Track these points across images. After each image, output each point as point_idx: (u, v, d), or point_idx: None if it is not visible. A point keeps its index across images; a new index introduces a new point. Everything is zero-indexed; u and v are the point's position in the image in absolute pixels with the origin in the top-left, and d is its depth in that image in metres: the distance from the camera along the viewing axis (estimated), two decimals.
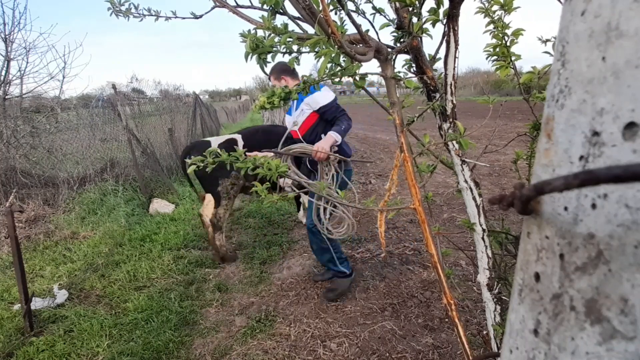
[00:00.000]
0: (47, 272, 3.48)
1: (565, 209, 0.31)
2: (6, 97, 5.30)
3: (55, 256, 3.81)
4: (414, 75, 1.02)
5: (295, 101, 2.63)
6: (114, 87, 7.10)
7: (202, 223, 3.69)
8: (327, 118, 2.60)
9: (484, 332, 1.17)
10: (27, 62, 5.48)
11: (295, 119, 2.70)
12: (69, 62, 5.88)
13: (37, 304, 2.83)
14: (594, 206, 0.28)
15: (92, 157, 6.11)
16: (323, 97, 2.55)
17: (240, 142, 3.65)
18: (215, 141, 3.69)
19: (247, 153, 0.96)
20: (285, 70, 2.73)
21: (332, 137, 2.52)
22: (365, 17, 0.96)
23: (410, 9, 0.89)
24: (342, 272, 2.82)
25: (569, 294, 0.30)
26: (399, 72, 0.95)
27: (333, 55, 0.69)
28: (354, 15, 0.92)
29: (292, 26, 0.77)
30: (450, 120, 1.02)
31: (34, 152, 5.46)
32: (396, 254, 3.53)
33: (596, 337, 0.28)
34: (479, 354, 1.62)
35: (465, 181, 1.03)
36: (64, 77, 5.86)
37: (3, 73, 5.26)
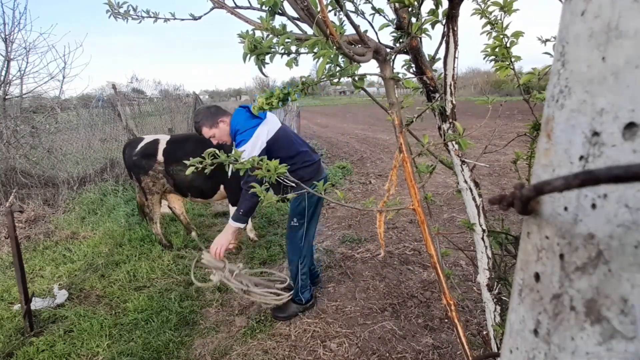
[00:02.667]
0: (47, 272, 3.48)
1: (565, 209, 0.31)
2: (6, 97, 5.30)
3: (55, 256, 3.81)
4: (413, 76, 1.02)
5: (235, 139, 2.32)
6: (114, 87, 7.11)
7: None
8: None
9: (484, 332, 1.17)
10: (27, 62, 5.49)
11: None
12: (69, 62, 5.88)
13: (37, 304, 2.83)
14: (594, 206, 0.28)
15: (92, 157, 6.11)
16: (243, 152, 2.21)
17: (162, 146, 3.71)
18: (148, 138, 3.84)
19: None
20: (216, 114, 2.42)
21: (231, 227, 2.29)
22: (364, 18, 0.96)
23: (410, 9, 0.89)
24: (299, 299, 2.64)
25: (569, 294, 0.30)
26: (398, 72, 0.95)
27: (332, 56, 0.69)
28: (353, 15, 0.92)
29: (290, 27, 0.77)
30: (450, 120, 1.02)
31: (34, 152, 5.46)
32: (396, 254, 3.53)
33: (596, 337, 0.28)
34: (479, 354, 1.62)
35: (465, 181, 1.03)
36: (64, 77, 5.86)
37: (3, 73, 5.26)
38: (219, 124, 2.38)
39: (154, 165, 3.66)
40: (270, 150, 2.32)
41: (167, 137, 3.80)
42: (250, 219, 4.00)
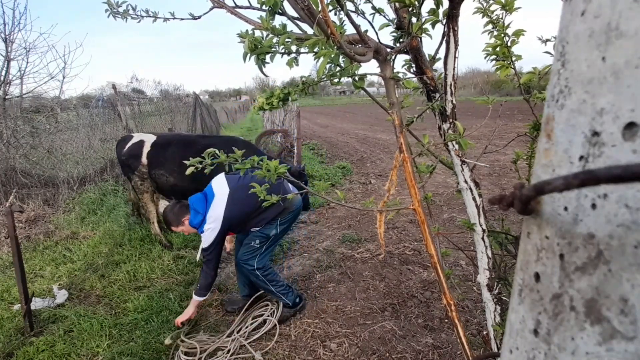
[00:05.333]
0: (47, 272, 3.48)
1: (565, 209, 0.31)
2: (6, 97, 5.30)
3: (55, 256, 3.81)
4: (413, 76, 1.02)
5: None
6: (114, 87, 7.11)
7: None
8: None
9: (484, 332, 1.17)
10: (27, 62, 5.47)
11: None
12: (69, 62, 5.85)
13: (37, 304, 2.83)
14: (594, 206, 0.28)
15: (92, 157, 6.11)
16: (205, 239, 2.41)
17: (146, 148, 3.71)
18: (135, 138, 3.85)
19: None
20: (178, 213, 2.55)
21: (195, 301, 2.52)
22: (364, 18, 0.96)
23: (410, 9, 0.89)
24: (285, 302, 2.65)
25: (569, 294, 0.30)
26: (399, 72, 0.95)
27: (332, 55, 0.69)
28: (353, 15, 0.92)
29: (290, 26, 0.77)
30: (450, 120, 1.02)
31: (34, 152, 5.46)
32: (396, 254, 3.53)
33: (596, 337, 0.28)
34: (479, 354, 1.62)
35: (465, 181, 1.03)
36: (64, 77, 5.85)
37: (3, 73, 5.26)
38: (183, 222, 2.54)
39: (139, 166, 3.69)
40: (231, 216, 2.43)
41: (153, 139, 3.77)
42: None
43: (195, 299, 2.52)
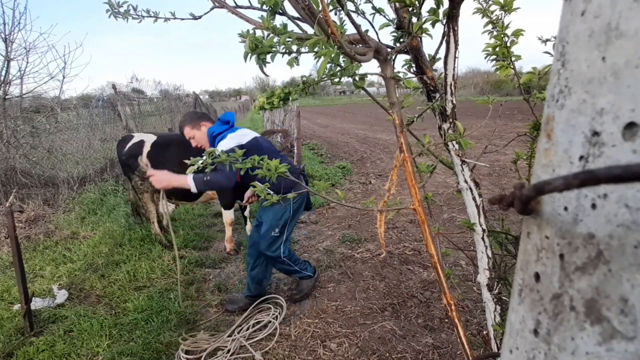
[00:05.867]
0: (47, 272, 3.48)
1: (565, 209, 0.31)
2: (6, 97, 5.30)
3: (55, 256, 3.81)
4: (413, 76, 1.02)
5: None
6: (114, 87, 7.11)
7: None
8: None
9: (484, 332, 1.17)
10: (27, 62, 5.47)
11: None
12: (69, 62, 5.85)
13: (37, 304, 2.83)
14: (594, 206, 0.28)
15: (92, 157, 6.11)
16: (222, 146, 2.33)
17: (146, 148, 3.73)
18: (135, 138, 3.86)
19: None
20: (201, 117, 2.55)
21: (183, 179, 2.26)
22: (365, 17, 0.96)
23: (410, 9, 0.89)
24: (307, 275, 2.83)
25: (569, 294, 0.30)
26: (399, 72, 0.95)
27: (332, 55, 0.69)
28: (354, 15, 0.92)
29: (291, 26, 0.77)
30: (450, 120, 1.02)
31: (34, 152, 5.46)
32: (396, 254, 3.53)
33: (596, 337, 0.28)
34: (479, 354, 1.62)
35: (465, 181, 1.03)
36: (64, 77, 5.85)
37: (3, 73, 5.26)
38: (200, 127, 2.47)
39: (139, 166, 3.70)
40: (260, 146, 2.44)
41: (153, 139, 3.79)
42: (249, 220, 3.99)
43: (189, 178, 2.23)
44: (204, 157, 0.95)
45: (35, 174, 5.18)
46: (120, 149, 3.84)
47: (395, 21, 0.95)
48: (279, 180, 2.46)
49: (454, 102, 1.00)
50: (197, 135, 2.50)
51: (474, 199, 1.03)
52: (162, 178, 2.33)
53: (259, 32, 0.72)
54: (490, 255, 1.04)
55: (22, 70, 5.45)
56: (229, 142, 2.33)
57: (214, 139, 2.47)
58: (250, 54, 0.71)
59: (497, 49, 0.97)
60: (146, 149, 3.71)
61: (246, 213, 3.96)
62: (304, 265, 2.81)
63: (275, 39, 0.71)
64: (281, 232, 2.55)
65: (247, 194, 2.83)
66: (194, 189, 2.27)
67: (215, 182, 2.29)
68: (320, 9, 0.64)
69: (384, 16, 0.97)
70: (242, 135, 2.42)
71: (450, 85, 0.98)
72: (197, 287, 3.15)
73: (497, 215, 3.66)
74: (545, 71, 0.94)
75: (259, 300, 2.75)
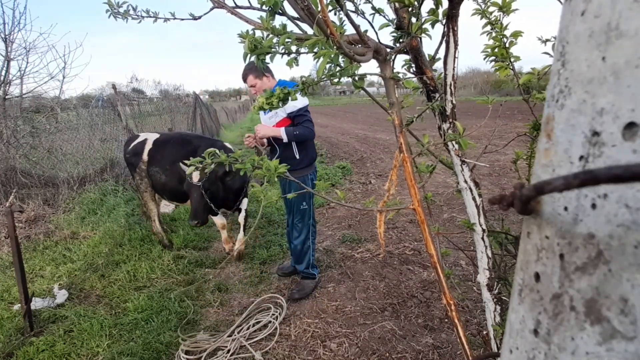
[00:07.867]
0: (47, 272, 3.48)
1: (565, 209, 0.31)
2: (6, 97, 5.30)
3: (55, 256, 3.81)
4: (413, 76, 1.02)
5: None
6: (114, 87, 7.11)
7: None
8: (297, 122, 2.67)
9: (484, 332, 1.17)
10: (27, 62, 5.48)
11: (267, 121, 2.76)
12: (69, 62, 5.87)
13: (37, 304, 2.83)
14: (594, 206, 0.28)
15: (92, 157, 6.11)
16: (295, 101, 2.57)
17: (147, 147, 3.75)
18: (141, 137, 3.92)
19: None
20: (265, 69, 2.71)
21: (278, 131, 2.62)
22: (364, 18, 0.96)
23: (410, 9, 0.89)
24: (312, 274, 2.96)
25: (569, 294, 0.30)
26: (399, 72, 0.95)
27: (332, 55, 0.69)
28: (353, 15, 0.92)
29: (290, 27, 0.77)
30: (450, 120, 1.02)
31: (34, 152, 5.46)
32: (396, 254, 3.53)
33: (596, 337, 0.28)
34: (479, 354, 1.62)
35: (465, 181, 1.03)
36: (64, 77, 5.85)
37: (3, 73, 5.26)
38: (263, 77, 2.69)
39: (139, 164, 3.72)
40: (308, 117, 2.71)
41: (156, 137, 3.83)
42: (241, 229, 3.85)
43: (282, 131, 2.61)
44: (204, 158, 0.95)
45: (35, 174, 5.18)
46: (125, 148, 3.93)
47: (395, 21, 0.95)
48: (310, 147, 2.69)
49: (454, 102, 1.00)
50: (259, 84, 2.69)
51: (473, 199, 1.03)
52: (263, 128, 2.69)
53: (258, 33, 0.72)
54: (490, 255, 1.04)
55: (22, 70, 5.46)
56: (303, 99, 2.62)
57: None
58: (249, 54, 0.71)
59: (496, 50, 0.97)
60: (148, 146, 3.74)
61: (240, 219, 3.73)
62: (314, 260, 2.98)
63: (275, 40, 0.71)
64: (308, 204, 2.83)
65: (246, 137, 2.94)
66: (285, 139, 2.64)
67: (301, 135, 2.66)
68: (319, 9, 0.64)
69: (384, 16, 0.97)
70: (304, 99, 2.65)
71: (450, 85, 0.98)
72: (197, 287, 3.15)
73: (497, 215, 3.66)
74: (544, 71, 0.94)
75: (259, 300, 2.77)
